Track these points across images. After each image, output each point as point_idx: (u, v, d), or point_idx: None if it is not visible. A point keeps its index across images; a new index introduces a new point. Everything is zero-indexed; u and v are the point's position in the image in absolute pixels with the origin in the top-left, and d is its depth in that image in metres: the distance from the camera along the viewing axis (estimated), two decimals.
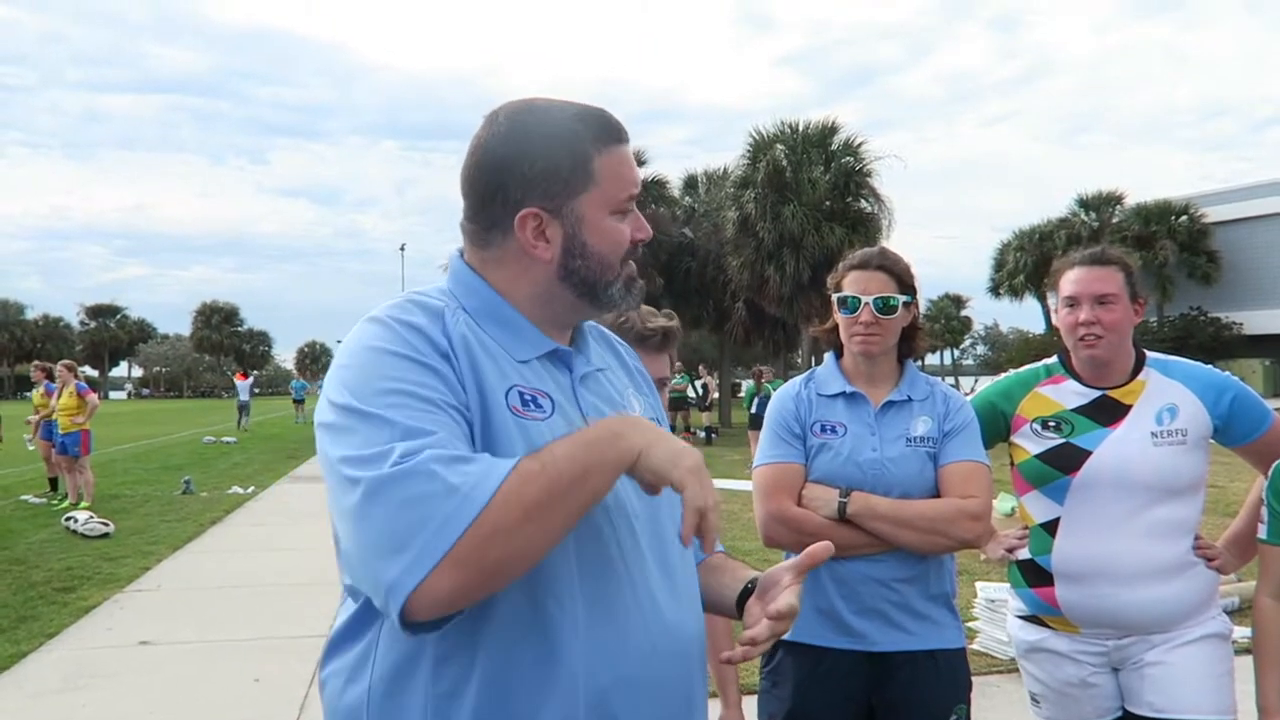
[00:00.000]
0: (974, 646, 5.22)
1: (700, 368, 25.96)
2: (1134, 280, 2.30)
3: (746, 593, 1.36)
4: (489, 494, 1.02)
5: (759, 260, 23.37)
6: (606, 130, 1.29)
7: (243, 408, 30.46)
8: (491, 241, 1.30)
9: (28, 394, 14.91)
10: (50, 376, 12.33)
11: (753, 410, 15.70)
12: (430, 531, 1.00)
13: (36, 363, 13.30)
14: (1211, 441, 2.28)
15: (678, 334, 2.20)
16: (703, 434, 22.09)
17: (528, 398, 1.22)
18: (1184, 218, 39.58)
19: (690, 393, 23.28)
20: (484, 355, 1.22)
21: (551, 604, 1.16)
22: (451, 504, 1.00)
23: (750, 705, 2.39)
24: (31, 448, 13.05)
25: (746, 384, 21.27)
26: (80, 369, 12.52)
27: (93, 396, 11.49)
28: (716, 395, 27.84)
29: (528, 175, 1.25)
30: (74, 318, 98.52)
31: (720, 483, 12.21)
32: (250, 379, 34.38)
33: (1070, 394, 2.32)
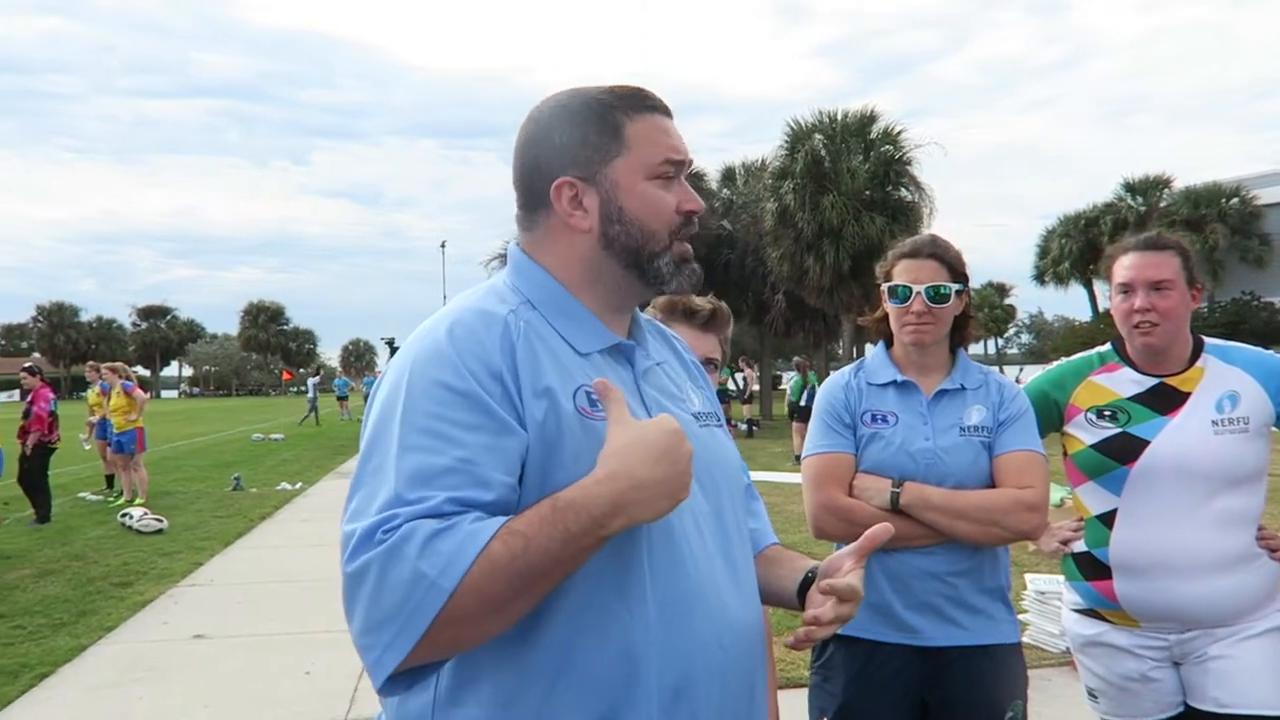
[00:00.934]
0: (1024, 639, 5.14)
1: (740, 360, 25.85)
2: (1190, 265, 2.24)
3: (807, 582, 1.34)
4: (455, 581, 1.02)
5: (798, 251, 23.21)
6: (638, 98, 1.29)
7: (312, 403, 32.09)
8: (536, 222, 1.31)
9: (83, 394, 15.22)
10: (100, 375, 12.64)
11: (802, 402, 15.65)
12: (403, 619, 1.03)
13: (91, 363, 13.61)
14: (1275, 430, 2.22)
15: (726, 316, 2.19)
16: (744, 426, 22.02)
17: (595, 397, 1.20)
18: (1235, 200, 38.56)
19: (731, 385, 23.19)
20: (548, 357, 1.22)
21: (620, 604, 1.16)
22: (419, 592, 1.02)
23: (797, 698, 2.37)
24: (88, 447, 13.36)
25: (787, 376, 21.14)
26: (133, 369, 12.82)
27: (140, 392, 11.76)
28: (757, 388, 27.75)
29: (559, 145, 1.27)
30: (126, 319, 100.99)
31: (763, 475, 12.17)
32: (318, 376, 36.03)
33: (1126, 382, 2.27)
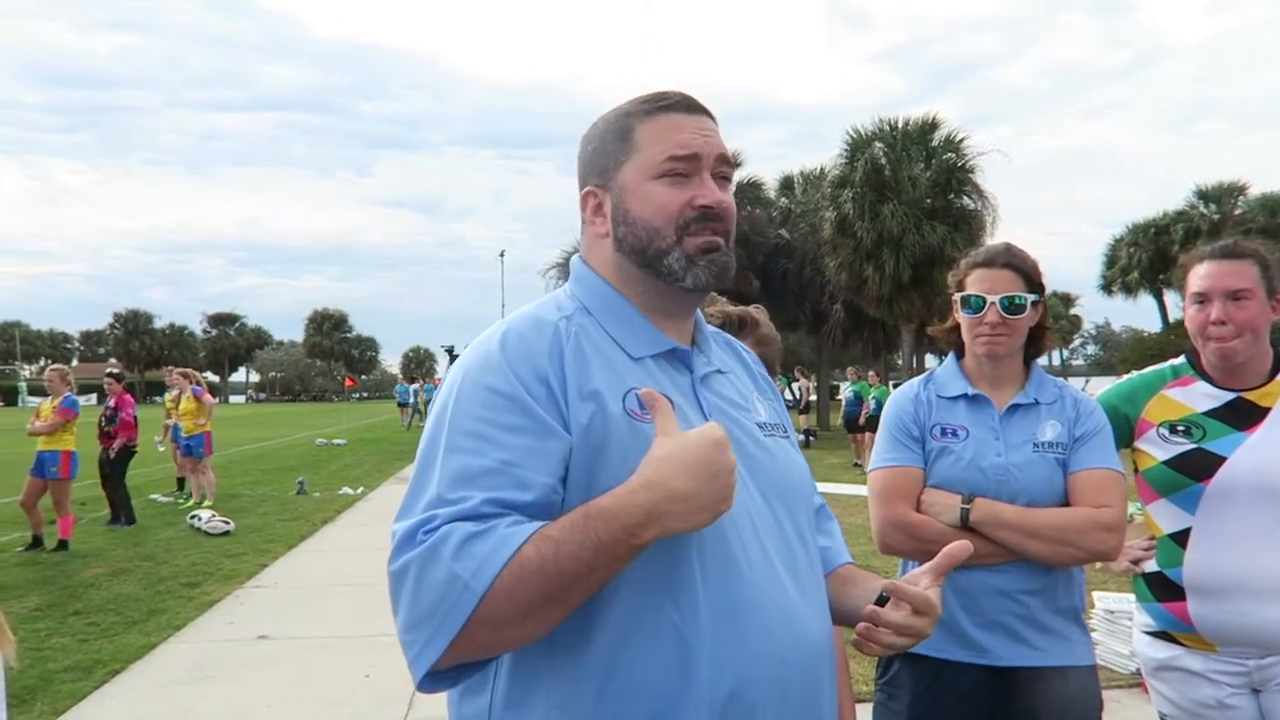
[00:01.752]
0: None
1: (796, 370, 25.65)
2: (1270, 274, 2.16)
3: (881, 602, 1.29)
4: (487, 584, 1.05)
5: (857, 260, 22.95)
6: (656, 100, 1.32)
7: (406, 407, 34.71)
8: (583, 232, 1.38)
9: (157, 398, 15.62)
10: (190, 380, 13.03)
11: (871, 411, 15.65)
12: (439, 619, 1.06)
13: (170, 368, 14.00)
14: None
15: (754, 323, 2.16)
16: (801, 436, 21.87)
17: (641, 391, 1.21)
18: None
19: (787, 395, 23.04)
20: (599, 360, 1.24)
21: (673, 610, 1.15)
22: (454, 594, 1.05)
23: (862, 713, 2.33)
24: (162, 449, 13.77)
25: (845, 385, 20.94)
26: (203, 375, 13.20)
27: (208, 397, 12.16)
28: (814, 398, 27.48)
29: (586, 157, 1.35)
30: (197, 326, 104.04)
31: (821, 486, 11.90)
32: (418, 383, 38.91)
33: (1201, 396, 2.19)
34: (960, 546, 1.22)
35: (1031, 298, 2.11)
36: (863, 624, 1.24)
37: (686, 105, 1.31)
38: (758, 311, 2.25)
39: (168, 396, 13.48)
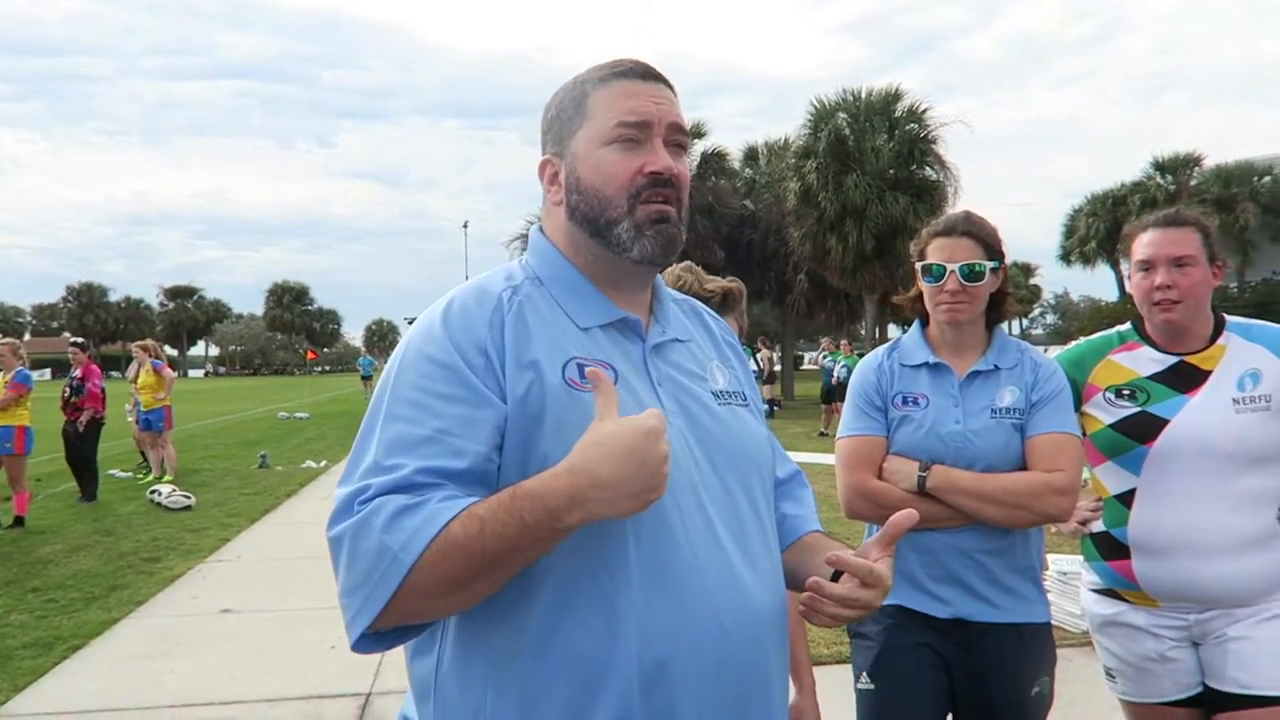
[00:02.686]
0: None
1: (760, 340, 25.77)
2: (1212, 241, 2.21)
3: (835, 577, 1.30)
4: (414, 557, 1.08)
5: (821, 231, 23.05)
6: (611, 67, 1.32)
7: (370, 380, 35.54)
8: (543, 201, 1.38)
9: (114, 373, 15.17)
10: (152, 354, 12.72)
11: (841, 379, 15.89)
12: (370, 587, 1.10)
13: (138, 343, 13.66)
14: None
15: (739, 295, 2.19)
16: (765, 406, 21.98)
17: (587, 368, 1.21)
18: (1267, 179, 37.83)
19: (752, 366, 23.18)
20: (541, 330, 1.25)
21: (605, 579, 1.17)
22: (384, 564, 1.08)
23: (828, 678, 2.38)
24: (130, 419, 13.52)
25: (822, 356, 21.13)
26: (161, 348, 12.93)
27: (169, 371, 11.87)
28: (779, 368, 27.65)
29: (545, 126, 1.36)
30: (154, 299, 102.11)
31: None
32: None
33: (1146, 360, 2.25)
34: (905, 515, 1.23)
35: (991, 265, 2.15)
36: (806, 594, 1.24)
37: (641, 73, 1.31)
38: (732, 281, 2.27)
39: (133, 369, 13.18)
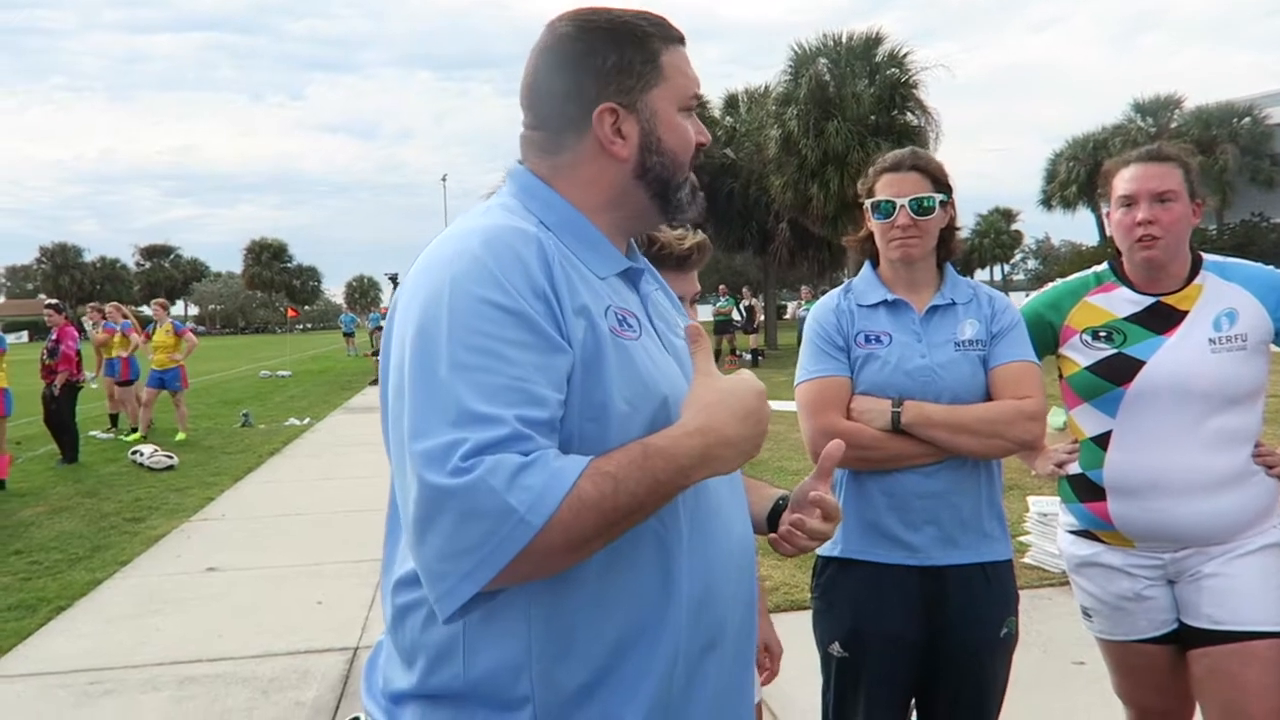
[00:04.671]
0: (1026, 560, 5.22)
1: (744, 290, 25.73)
2: (1193, 178, 2.20)
3: (777, 510, 1.44)
4: (544, 518, 1.02)
5: (802, 179, 22.89)
6: (669, 30, 1.31)
7: (351, 337, 36.03)
8: (564, 145, 1.28)
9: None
10: (104, 316, 12.68)
11: None
12: (487, 550, 1.02)
13: (93, 305, 13.61)
14: (1274, 348, 2.20)
15: (708, 250, 2.15)
16: (749, 356, 22.05)
17: (621, 316, 1.23)
18: (1247, 120, 37.89)
19: (735, 316, 23.15)
20: (578, 277, 1.21)
21: (655, 520, 1.18)
22: (507, 526, 1.01)
23: (801, 620, 2.41)
24: (94, 385, 13.43)
25: (792, 306, 21.15)
26: (138, 309, 12.89)
27: (191, 335, 12.27)
28: (762, 318, 27.69)
29: (601, 70, 1.25)
30: (129, 259, 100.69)
31: (770, 404, 12.09)
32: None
33: (1122, 302, 2.25)
34: (836, 446, 1.32)
35: (940, 198, 2.13)
36: (785, 529, 1.36)
37: (686, 41, 1.34)
38: (697, 234, 2.23)
39: (96, 332, 13.07)
